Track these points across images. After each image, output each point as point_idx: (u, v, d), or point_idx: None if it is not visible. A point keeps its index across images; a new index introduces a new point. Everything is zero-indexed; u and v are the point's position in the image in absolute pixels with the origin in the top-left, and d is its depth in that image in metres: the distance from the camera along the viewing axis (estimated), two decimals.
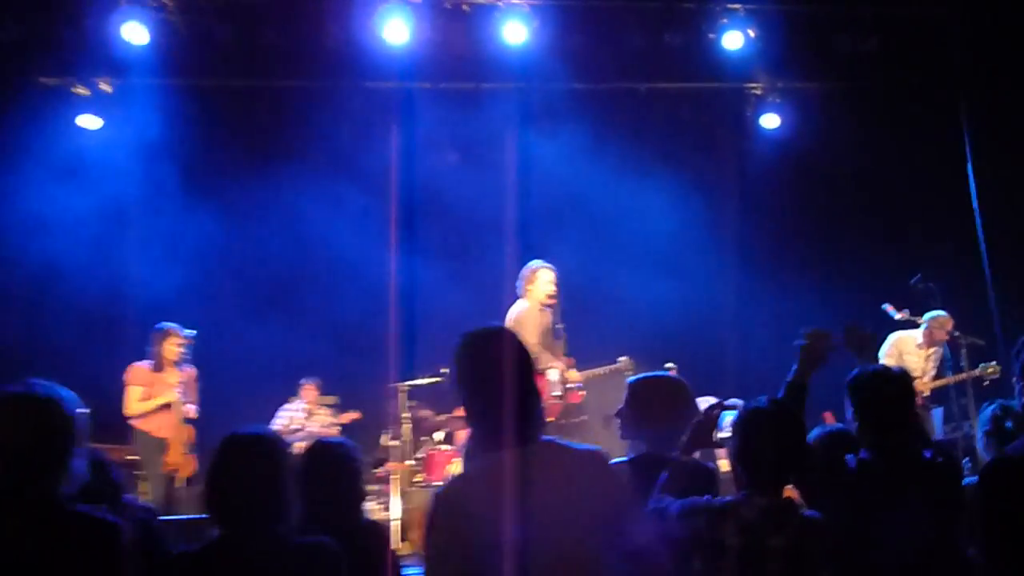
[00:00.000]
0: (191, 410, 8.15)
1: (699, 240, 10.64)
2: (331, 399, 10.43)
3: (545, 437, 2.69)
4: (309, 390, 10.21)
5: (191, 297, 9.65)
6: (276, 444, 3.07)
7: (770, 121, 10.25)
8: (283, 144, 10.34)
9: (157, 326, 8.18)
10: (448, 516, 2.56)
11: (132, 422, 8.06)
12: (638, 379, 3.92)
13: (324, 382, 10.42)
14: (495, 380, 2.61)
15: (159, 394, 8.05)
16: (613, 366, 8.35)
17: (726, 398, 3.70)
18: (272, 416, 9.98)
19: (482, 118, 10.04)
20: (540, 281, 7.95)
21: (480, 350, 2.70)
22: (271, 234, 10.51)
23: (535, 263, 8.03)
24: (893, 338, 8.53)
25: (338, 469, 3.63)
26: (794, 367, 3.55)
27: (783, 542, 3.01)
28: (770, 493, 3.13)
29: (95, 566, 2.67)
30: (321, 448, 3.73)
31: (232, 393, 9.06)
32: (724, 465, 4.49)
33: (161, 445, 7.99)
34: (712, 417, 3.43)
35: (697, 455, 3.46)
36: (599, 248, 10.39)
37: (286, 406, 10.13)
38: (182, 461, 8.11)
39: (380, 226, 9.91)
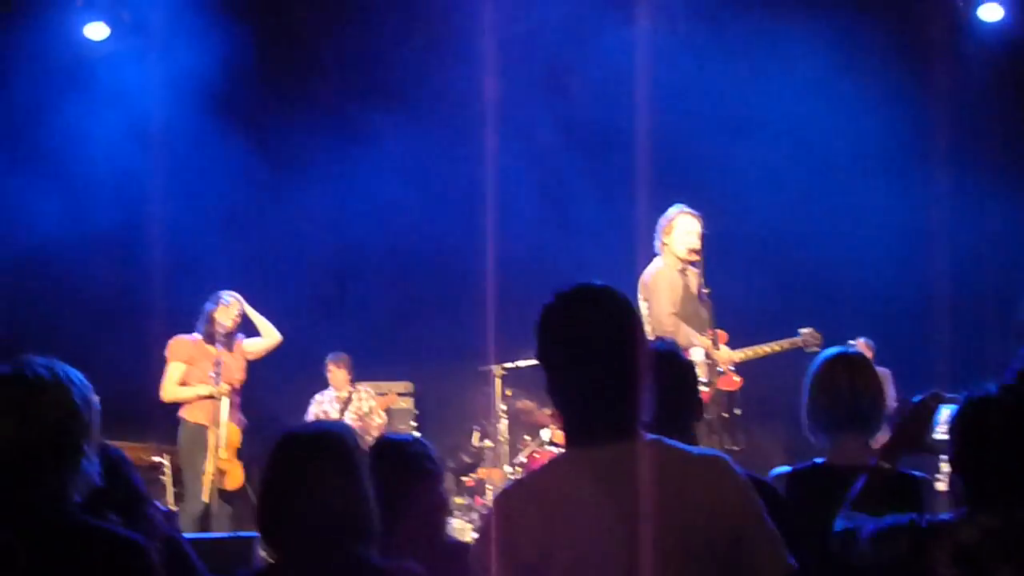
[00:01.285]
0: (225, 389, 8.33)
1: (897, 165, 10.44)
2: (399, 387, 10.62)
3: (650, 435, 2.64)
4: (336, 371, 10.19)
5: (229, 256, 9.90)
6: (349, 442, 3.02)
7: (991, 12, 10.09)
8: (341, 64, 10.47)
9: (214, 295, 8.49)
10: (502, 529, 2.56)
11: (180, 412, 8.38)
12: (820, 359, 3.87)
13: (391, 363, 10.58)
14: (580, 357, 2.59)
15: (202, 375, 8.30)
16: (790, 340, 8.23)
17: (939, 385, 3.61)
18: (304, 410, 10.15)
19: (605, 16, 9.99)
20: (678, 231, 7.78)
21: (564, 318, 2.65)
22: (327, 181, 10.66)
23: (674, 209, 7.87)
24: None
25: (409, 475, 3.64)
26: None
27: (1015, 574, 2.94)
28: (1000, 511, 3.04)
29: None
30: (385, 448, 3.74)
31: (278, 379, 9.32)
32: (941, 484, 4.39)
33: (204, 436, 8.19)
34: (925, 412, 3.34)
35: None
36: (763, 183, 10.24)
37: (317, 396, 10.23)
38: (228, 467, 8.31)
39: (471, 160, 9.96)
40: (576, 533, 2.49)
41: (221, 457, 8.20)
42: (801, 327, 8.28)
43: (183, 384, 8.37)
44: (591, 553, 2.48)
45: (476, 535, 2.66)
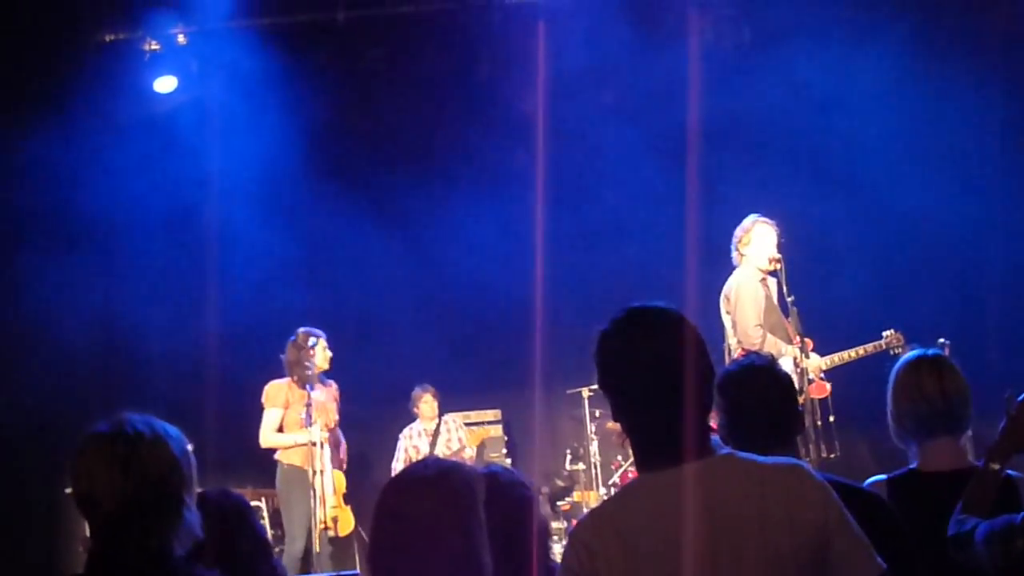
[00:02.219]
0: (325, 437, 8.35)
1: (982, 152, 10.12)
2: (487, 415, 10.59)
3: (725, 449, 2.63)
4: (426, 402, 10.13)
5: (309, 297, 10.01)
6: (466, 483, 2.92)
7: None
8: (400, 86, 10.54)
9: (301, 332, 8.48)
10: (583, 561, 2.55)
11: (276, 455, 8.40)
12: (901, 364, 3.79)
13: (478, 391, 10.58)
14: (638, 382, 2.58)
15: (299, 419, 8.29)
16: (874, 344, 8.12)
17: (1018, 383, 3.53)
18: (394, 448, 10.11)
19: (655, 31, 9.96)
20: (757, 241, 7.77)
21: (618, 344, 2.64)
22: (409, 227, 10.78)
23: (749, 219, 7.86)
24: None
25: (506, 504, 3.60)
26: None
27: None
28: None
29: None
30: (489, 487, 3.69)
31: (365, 415, 9.37)
32: None
33: (306, 480, 8.14)
34: None
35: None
36: (834, 182, 10.09)
37: (406, 430, 10.15)
38: (339, 514, 8.29)
39: (528, 184, 10.01)
40: (657, 559, 2.47)
41: (331, 505, 8.17)
42: (884, 330, 8.18)
43: (280, 430, 8.38)
44: None
45: (558, 568, 2.63)
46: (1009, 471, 3.59)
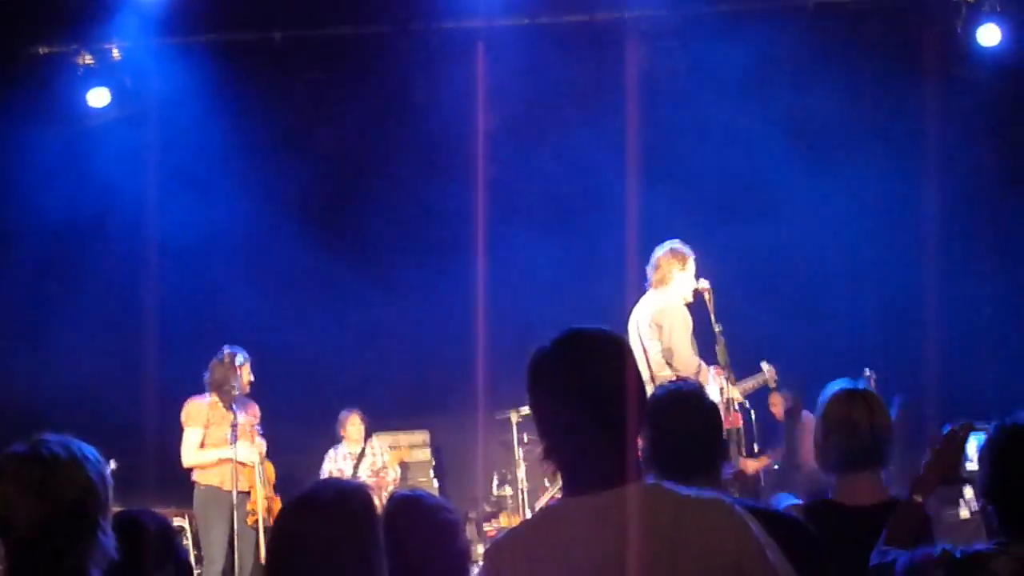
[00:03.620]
0: (261, 444, 8.26)
1: (887, 200, 10.36)
2: (416, 437, 10.54)
3: (651, 479, 2.60)
4: (353, 424, 10.05)
5: (227, 304, 9.93)
6: (365, 506, 2.94)
7: (989, 36, 9.83)
8: (337, 109, 10.51)
9: (227, 351, 8.31)
10: None
11: (193, 476, 8.24)
12: (830, 396, 3.80)
13: (400, 411, 10.53)
14: (570, 403, 2.51)
15: (220, 438, 8.16)
16: (754, 379, 8.36)
17: (938, 415, 3.57)
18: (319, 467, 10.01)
19: (592, 58, 10.02)
20: (691, 269, 7.82)
21: (554, 363, 2.58)
22: (328, 228, 10.74)
23: (677, 244, 7.87)
24: None
25: (427, 529, 3.58)
26: None
27: None
28: None
29: None
30: (399, 506, 3.66)
31: (291, 435, 9.28)
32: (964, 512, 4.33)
33: (227, 501, 8.06)
34: (957, 442, 3.33)
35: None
36: (744, 221, 10.21)
37: (331, 452, 10.09)
38: (270, 504, 8.23)
39: (464, 210, 10.01)
40: None
41: (263, 496, 8.15)
42: (763, 362, 8.41)
43: (202, 447, 8.23)
44: None
45: None
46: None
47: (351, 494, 2.97)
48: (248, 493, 8.17)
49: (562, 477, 2.60)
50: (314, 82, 10.30)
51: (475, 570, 3.77)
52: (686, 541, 2.42)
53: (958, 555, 2.98)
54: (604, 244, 9.79)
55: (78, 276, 10.02)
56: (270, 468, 8.42)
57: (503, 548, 2.59)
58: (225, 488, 8.03)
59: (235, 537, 7.96)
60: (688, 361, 7.50)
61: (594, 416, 2.50)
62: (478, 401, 9.71)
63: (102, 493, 2.79)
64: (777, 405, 10.28)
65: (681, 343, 7.55)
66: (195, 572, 8.08)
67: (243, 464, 8.10)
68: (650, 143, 9.62)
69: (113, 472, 2.98)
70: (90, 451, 2.82)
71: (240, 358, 8.28)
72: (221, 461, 8.09)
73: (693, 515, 2.47)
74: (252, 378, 8.36)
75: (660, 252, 7.85)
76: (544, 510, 2.70)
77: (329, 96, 10.41)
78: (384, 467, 9.95)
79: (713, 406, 3.49)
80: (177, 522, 8.66)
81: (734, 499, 3.07)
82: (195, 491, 8.22)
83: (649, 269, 7.86)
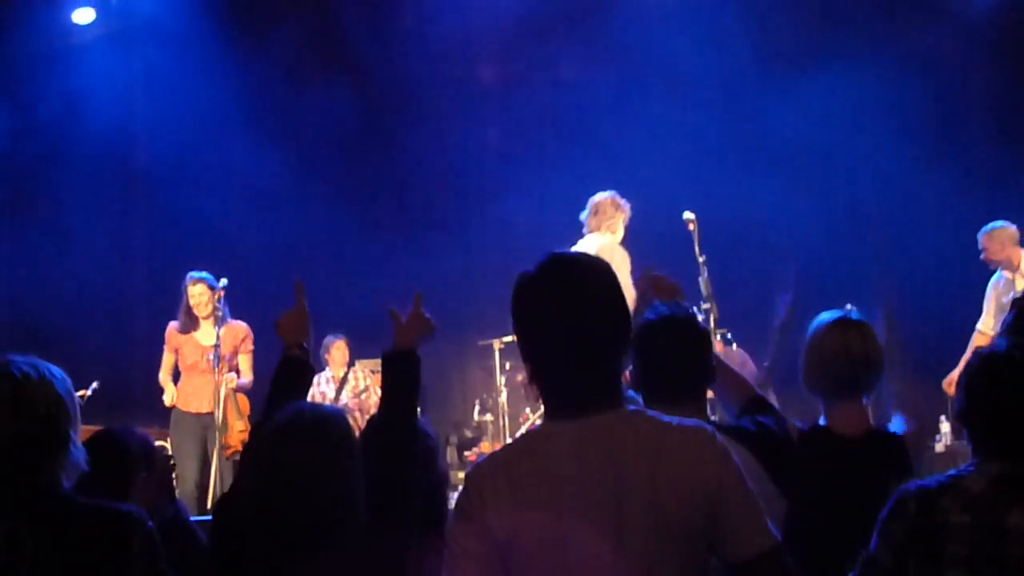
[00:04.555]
0: (231, 378, 8.24)
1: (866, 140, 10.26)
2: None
3: (633, 405, 2.56)
4: (337, 350, 10.09)
5: (228, 241, 9.87)
6: (342, 431, 2.96)
7: None
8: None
9: (189, 275, 8.26)
10: (474, 505, 2.50)
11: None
12: (825, 323, 3.77)
13: (384, 339, 10.50)
14: (555, 327, 2.49)
15: (190, 359, 8.21)
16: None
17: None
18: None
19: None
20: (626, 215, 8.19)
21: (538, 287, 2.55)
22: (312, 157, 10.67)
23: (615, 194, 8.21)
24: None
25: (406, 452, 3.57)
26: None
27: None
28: (1009, 462, 3.00)
29: (109, 565, 2.71)
30: (379, 428, 3.65)
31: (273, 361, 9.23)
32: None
33: (196, 423, 8.14)
34: None
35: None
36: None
37: (313, 378, 9.97)
38: (239, 438, 8.22)
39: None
40: (544, 509, 2.42)
41: (239, 429, 8.07)
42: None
43: (176, 372, 8.28)
44: (558, 530, 2.40)
45: (452, 510, 2.59)
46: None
47: (329, 419, 2.98)
48: (211, 414, 8.15)
49: (545, 402, 2.58)
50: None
51: (454, 495, 3.77)
52: (667, 468, 2.41)
53: (933, 484, 3.00)
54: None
55: (60, 196, 9.91)
56: (244, 400, 8.36)
57: (484, 471, 2.57)
58: (184, 410, 8.16)
59: (210, 458, 8.05)
60: (631, 299, 7.57)
61: (579, 340, 2.47)
62: (459, 328, 9.70)
63: (71, 408, 2.88)
64: None
65: (625, 280, 7.64)
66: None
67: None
68: None
69: (96, 392, 3.05)
70: (56, 370, 2.90)
71: (192, 280, 8.18)
72: (189, 375, 8.23)
73: (675, 442, 2.45)
74: (216, 304, 8.16)
75: (601, 198, 8.21)
76: (526, 434, 2.66)
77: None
78: (367, 389, 9.95)
79: (705, 332, 3.48)
80: (159, 443, 8.66)
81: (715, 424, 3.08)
82: (171, 413, 8.29)
83: (587, 214, 8.19)
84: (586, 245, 7.94)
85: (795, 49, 10.00)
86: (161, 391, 8.28)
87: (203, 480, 8.11)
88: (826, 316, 3.77)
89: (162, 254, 9.71)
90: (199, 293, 8.16)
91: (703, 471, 2.42)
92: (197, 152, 9.94)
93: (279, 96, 10.40)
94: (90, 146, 9.81)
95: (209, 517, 6.18)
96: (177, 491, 8.03)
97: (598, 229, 8.13)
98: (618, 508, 2.39)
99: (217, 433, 7.98)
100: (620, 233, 8.15)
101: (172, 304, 8.45)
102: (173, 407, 8.24)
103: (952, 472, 3.06)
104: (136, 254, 9.95)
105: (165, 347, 8.32)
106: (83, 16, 9.76)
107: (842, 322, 3.69)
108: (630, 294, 7.41)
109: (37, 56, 9.62)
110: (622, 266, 7.67)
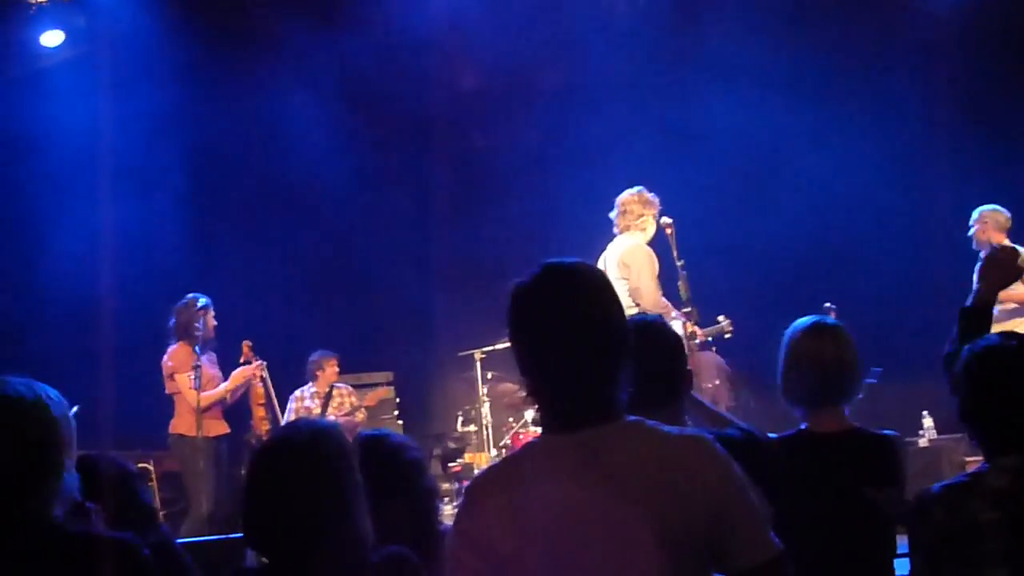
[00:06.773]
0: (262, 365, 8.52)
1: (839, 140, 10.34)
2: (378, 377, 10.50)
3: (632, 417, 2.51)
4: (328, 367, 9.93)
5: (195, 260, 9.83)
6: (339, 446, 2.93)
7: None
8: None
9: (190, 297, 8.27)
10: (475, 519, 2.48)
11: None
12: (799, 329, 3.77)
13: (369, 353, 10.49)
14: (552, 338, 2.45)
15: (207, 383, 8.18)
16: (713, 328, 8.42)
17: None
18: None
19: None
20: (655, 211, 7.91)
21: (535, 298, 2.50)
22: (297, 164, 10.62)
23: (642, 190, 7.95)
24: None
25: (395, 467, 3.58)
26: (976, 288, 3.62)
27: None
28: (1020, 453, 3.03)
29: None
30: (366, 445, 3.66)
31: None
32: None
33: (215, 447, 8.11)
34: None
35: None
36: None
37: (297, 392, 9.96)
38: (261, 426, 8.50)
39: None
40: (544, 525, 2.39)
41: (259, 416, 8.58)
42: (719, 316, 8.48)
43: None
44: (563, 543, 2.37)
45: (451, 524, 2.57)
46: (886, 431, 3.66)
47: (325, 434, 2.96)
48: (219, 438, 8.16)
49: (543, 415, 2.54)
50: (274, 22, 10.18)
51: (444, 508, 3.77)
52: (669, 480, 2.38)
53: (954, 486, 3.02)
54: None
55: (29, 221, 9.84)
56: (257, 390, 8.66)
57: (483, 484, 2.56)
58: (189, 435, 8.04)
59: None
60: (655, 300, 7.54)
61: (573, 352, 2.44)
62: (440, 340, 9.69)
63: (65, 433, 2.78)
64: None
65: (648, 282, 7.58)
66: (166, 512, 8.09)
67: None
68: None
69: (76, 416, 2.97)
70: (52, 392, 2.81)
71: (202, 301, 8.23)
72: (226, 391, 8.30)
73: (677, 453, 2.43)
74: (216, 323, 8.30)
75: (626, 196, 7.92)
76: (526, 447, 2.62)
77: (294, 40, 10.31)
78: (354, 408, 9.87)
79: (676, 338, 3.47)
80: (141, 465, 8.61)
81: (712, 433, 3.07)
82: (178, 442, 8.18)
83: (615, 213, 7.92)
84: (614, 248, 7.82)
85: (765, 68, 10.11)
86: (162, 418, 8.20)
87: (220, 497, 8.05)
88: (801, 322, 3.76)
89: (131, 275, 9.62)
90: (212, 317, 8.25)
91: (706, 481, 2.39)
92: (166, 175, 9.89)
93: (251, 116, 10.34)
94: (56, 168, 9.75)
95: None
96: (190, 516, 8.02)
97: (627, 229, 7.86)
98: (620, 522, 2.35)
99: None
100: (651, 231, 7.86)
101: (144, 327, 8.41)
102: (192, 437, 8.10)
103: (968, 472, 3.10)
104: (103, 277, 9.86)
105: (183, 369, 8.15)
106: (51, 39, 9.71)
107: (815, 327, 3.69)
108: (652, 298, 7.44)
109: (3, 79, 9.58)
110: (644, 268, 7.56)
